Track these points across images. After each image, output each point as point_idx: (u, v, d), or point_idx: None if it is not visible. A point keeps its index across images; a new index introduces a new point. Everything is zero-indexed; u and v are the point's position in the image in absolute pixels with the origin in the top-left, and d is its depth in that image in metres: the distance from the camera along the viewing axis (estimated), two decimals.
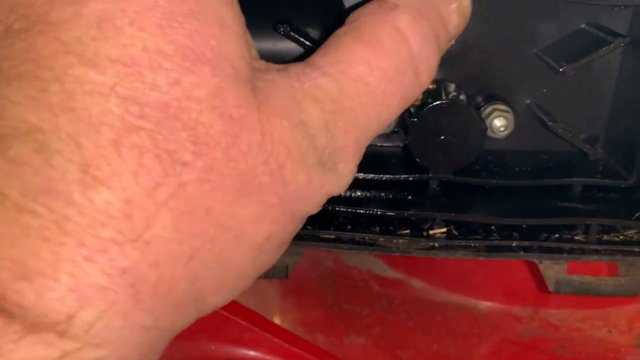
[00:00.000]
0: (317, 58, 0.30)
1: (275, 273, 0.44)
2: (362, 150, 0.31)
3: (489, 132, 0.47)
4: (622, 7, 0.45)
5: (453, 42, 0.37)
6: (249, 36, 0.29)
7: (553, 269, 0.43)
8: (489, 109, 0.47)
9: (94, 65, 0.23)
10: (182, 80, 0.24)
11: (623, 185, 0.46)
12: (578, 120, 0.50)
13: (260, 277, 0.44)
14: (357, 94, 0.29)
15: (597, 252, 0.43)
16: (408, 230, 0.44)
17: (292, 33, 0.42)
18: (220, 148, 0.24)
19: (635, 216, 0.44)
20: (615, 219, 0.44)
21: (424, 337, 0.61)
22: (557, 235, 0.44)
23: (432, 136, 0.45)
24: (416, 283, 0.66)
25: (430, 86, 0.50)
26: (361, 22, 0.31)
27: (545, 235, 0.44)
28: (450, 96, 0.49)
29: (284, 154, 0.26)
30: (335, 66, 0.29)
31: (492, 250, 0.43)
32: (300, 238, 0.44)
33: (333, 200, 0.46)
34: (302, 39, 0.43)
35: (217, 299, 0.27)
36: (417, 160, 0.46)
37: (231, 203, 0.25)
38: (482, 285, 0.64)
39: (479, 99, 0.49)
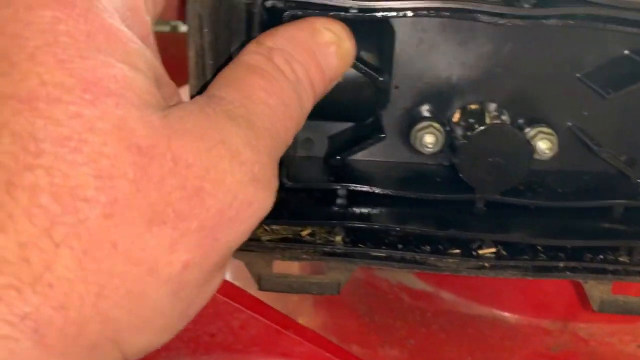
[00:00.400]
0: (218, 89, 0.31)
1: (327, 290, 0.45)
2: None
3: (536, 154, 0.49)
4: None
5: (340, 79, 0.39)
6: (161, 72, 0.30)
7: (598, 289, 0.45)
8: (534, 131, 0.49)
9: None
10: (84, 113, 0.23)
11: None
12: (618, 143, 0.51)
13: (313, 293, 0.45)
14: (263, 114, 0.30)
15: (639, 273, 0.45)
16: (459, 250, 0.45)
17: None
18: (127, 180, 0.24)
19: None
20: None
21: (456, 349, 0.62)
22: (601, 257, 0.45)
23: (480, 157, 0.46)
24: (446, 295, 0.67)
25: (473, 106, 0.51)
26: (247, 59, 0.33)
27: (590, 256, 0.45)
28: (492, 116, 0.51)
29: (201, 176, 0.26)
30: (239, 93, 0.30)
31: (539, 270, 0.45)
32: (351, 255, 0.46)
33: (382, 218, 0.47)
34: (356, 62, 0.44)
35: (139, 340, 0.25)
36: (466, 180, 0.47)
37: (141, 235, 0.24)
38: (511, 298, 0.66)
39: (521, 120, 0.51)
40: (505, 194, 0.47)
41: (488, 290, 0.67)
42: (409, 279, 0.69)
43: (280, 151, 0.32)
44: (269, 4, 0.40)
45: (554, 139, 0.48)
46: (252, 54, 0.33)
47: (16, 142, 0.22)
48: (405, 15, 0.42)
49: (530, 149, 0.46)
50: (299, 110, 0.33)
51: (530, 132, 0.49)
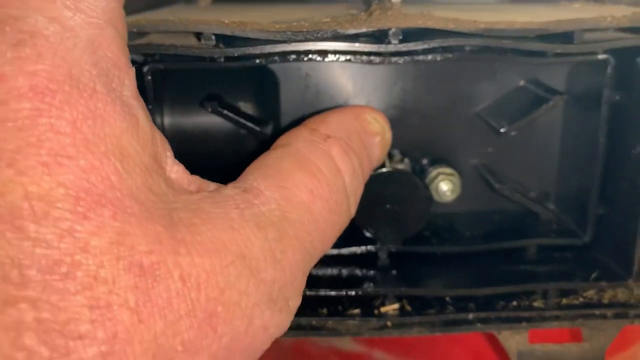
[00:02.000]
0: (256, 180, 0.27)
1: None
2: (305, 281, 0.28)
3: (436, 197, 0.46)
4: (559, 64, 0.45)
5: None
6: (163, 155, 0.25)
7: (514, 340, 0.41)
8: (434, 173, 0.46)
9: None
10: (76, 230, 0.19)
11: (578, 244, 0.44)
12: (527, 178, 0.48)
13: None
14: (301, 221, 0.26)
15: (557, 317, 0.41)
16: (358, 310, 0.41)
17: (220, 109, 0.40)
18: (128, 308, 0.20)
19: (592, 276, 0.42)
20: (573, 282, 0.41)
21: None
22: (515, 303, 0.41)
23: (376, 206, 0.42)
24: (379, 355, 0.63)
25: None
26: (297, 148, 0.29)
27: (502, 303, 0.41)
28: (394, 162, 0.48)
29: (214, 299, 0.22)
30: (278, 191, 0.26)
31: (448, 324, 0.41)
32: None
33: None
34: (232, 115, 0.41)
35: None
36: (363, 230, 0.43)
37: None
38: (448, 352, 0.61)
39: (424, 162, 0.48)
40: (408, 243, 0.44)
41: (423, 346, 0.62)
42: (340, 340, 0.64)
43: (310, 264, 0.27)
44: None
45: (455, 179, 0.45)
46: (303, 143, 0.29)
47: None
48: (275, 61, 0.39)
49: (427, 192, 0.43)
50: (345, 215, 0.30)
51: (431, 173, 0.46)
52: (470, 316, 0.41)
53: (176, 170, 0.26)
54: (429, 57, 0.38)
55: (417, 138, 0.47)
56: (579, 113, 0.45)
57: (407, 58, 0.38)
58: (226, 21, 0.35)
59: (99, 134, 0.21)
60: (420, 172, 0.47)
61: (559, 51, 0.36)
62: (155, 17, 0.36)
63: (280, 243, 0.25)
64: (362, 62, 0.38)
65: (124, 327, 0.20)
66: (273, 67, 0.44)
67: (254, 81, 0.44)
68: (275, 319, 0.25)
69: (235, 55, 0.36)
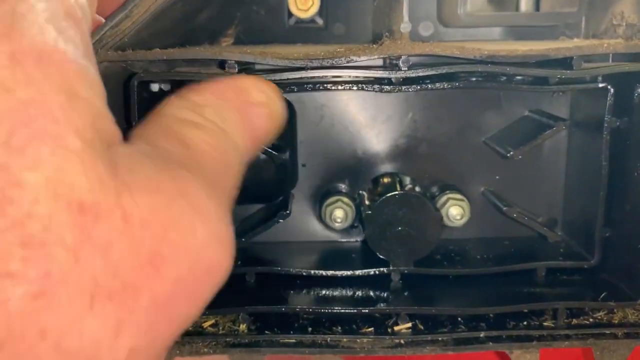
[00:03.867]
0: (157, 139, 0.27)
1: None
2: None
3: (446, 222, 0.47)
4: (561, 93, 0.47)
5: None
6: (107, 109, 0.24)
7: (525, 359, 0.41)
8: (444, 198, 0.48)
9: None
10: (9, 164, 0.19)
11: (586, 267, 0.45)
12: (535, 203, 0.50)
13: None
14: (213, 168, 0.27)
15: (568, 337, 0.41)
16: (372, 328, 0.42)
17: None
18: (64, 247, 0.19)
19: (601, 297, 0.42)
20: (582, 301, 0.42)
21: None
22: (525, 323, 0.42)
23: (389, 228, 0.44)
24: None
25: (386, 180, 0.50)
26: (175, 112, 0.29)
27: (513, 323, 0.42)
28: (405, 188, 0.50)
29: (158, 237, 0.21)
30: (182, 145, 0.27)
31: (460, 343, 0.41)
32: (257, 344, 0.42)
33: (293, 300, 0.44)
34: None
35: None
36: (375, 251, 0.45)
37: (79, 317, 0.19)
38: None
39: (435, 189, 0.50)
40: (420, 264, 0.45)
41: None
42: None
43: (230, 208, 0.27)
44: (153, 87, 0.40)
45: (465, 204, 0.47)
46: (179, 109, 0.29)
47: None
48: (293, 91, 0.42)
49: (438, 215, 0.44)
50: (238, 166, 0.29)
51: (441, 199, 0.48)
52: (482, 335, 0.41)
53: (114, 126, 0.27)
54: (437, 85, 0.40)
55: (428, 166, 0.49)
56: (582, 139, 0.47)
57: (417, 86, 0.40)
58: (248, 50, 0.38)
59: (44, 69, 0.20)
60: (430, 199, 0.49)
61: (559, 77, 0.38)
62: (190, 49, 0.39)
63: (210, 186, 0.24)
64: (374, 90, 0.41)
65: (58, 266, 0.19)
66: (291, 97, 0.47)
67: None
68: (221, 257, 0.24)
69: None
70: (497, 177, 0.49)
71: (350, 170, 0.49)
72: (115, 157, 0.22)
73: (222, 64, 0.39)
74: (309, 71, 0.38)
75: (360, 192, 0.49)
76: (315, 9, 0.57)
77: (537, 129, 0.45)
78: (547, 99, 0.48)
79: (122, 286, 0.20)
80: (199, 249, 0.22)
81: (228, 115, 0.30)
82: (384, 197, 0.44)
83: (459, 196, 0.47)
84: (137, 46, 0.39)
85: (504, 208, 0.45)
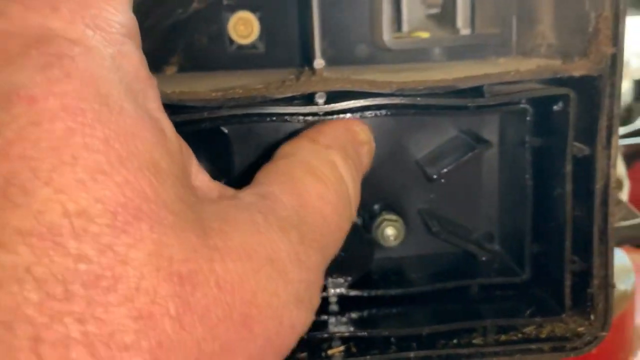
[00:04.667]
0: (271, 186, 0.29)
1: None
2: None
3: (382, 242, 0.48)
4: (490, 113, 0.48)
5: None
6: (189, 165, 0.27)
7: None
8: (380, 219, 0.49)
9: (1, 244, 0.19)
10: (115, 244, 0.20)
11: (518, 282, 0.47)
12: (472, 219, 0.51)
13: None
14: (316, 224, 0.28)
15: (495, 354, 0.43)
16: (305, 353, 0.43)
17: None
18: (170, 317, 0.20)
19: (528, 312, 0.44)
20: (509, 318, 0.44)
21: None
22: (455, 341, 0.43)
23: None
24: None
25: None
26: (304, 156, 0.31)
27: (443, 342, 0.43)
28: None
29: (248, 302, 0.23)
30: (294, 197, 0.28)
31: None
32: None
33: None
34: None
35: None
36: None
37: None
38: None
39: (376, 207, 0.51)
40: (356, 287, 0.46)
41: None
42: None
43: (326, 264, 0.30)
44: None
45: (399, 225, 0.48)
46: (307, 151, 0.31)
47: (40, 288, 0.19)
48: (222, 123, 0.43)
49: (369, 237, 0.46)
50: (350, 219, 0.32)
51: (377, 219, 0.49)
52: (412, 355, 0.43)
53: (200, 179, 0.28)
54: (359, 114, 0.41)
55: (367, 186, 0.50)
56: (510, 157, 0.48)
57: (340, 116, 0.41)
58: (168, 92, 0.39)
59: (131, 150, 0.21)
60: (370, 219, 0.50)
61: (469, 105, 0.39)
62: None
63: (303, 245, 0.26)
64: (299, 122, 0.42)
65: (166, 336, 0.20)
66: (225, 129, 0.48)
67: (206, 143, 0.47)
68: (302, 317, 0.26)
69: (177, 121, 0.40)
70: (431, 195, 0.51)
71: None
72: (208, 220, 0.24)
73: None
74: (228, 109, 0.39)
75: None
76: (255, 35, 0.58)
77: (464, 150, 0.46)
78: (476, 119, 0.49)
79: (221, 348, 0.22)
80: (282, 311, 0.25)
81: (352, 156, 0.34)
82: None
83: (394, 217, 0.49)
84: None
85: (434, 229, 0.46)
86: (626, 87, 1.33)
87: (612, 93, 0.39)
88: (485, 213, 0.51)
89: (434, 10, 0.57)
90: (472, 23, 0.55)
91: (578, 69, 0.38)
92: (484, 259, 0.48)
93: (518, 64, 0.43)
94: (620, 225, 0.56)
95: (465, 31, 0.55)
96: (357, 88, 0.38)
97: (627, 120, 1.27)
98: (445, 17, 0.57)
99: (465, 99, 0.40)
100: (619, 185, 0.74)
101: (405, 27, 0.57)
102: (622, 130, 1.17)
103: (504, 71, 0.39)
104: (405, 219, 0.49)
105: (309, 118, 0.41)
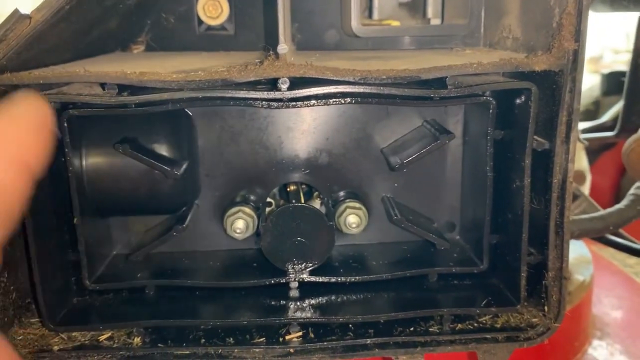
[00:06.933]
0: None
1: None
2: None
3: (344, 229, 0.49)
4: (455, 104, 0.48)
5: None
6: None
7: None
8: (343, 206, 0.49)
9: None
10: None
11: (476, 272, 0.47)
12: (435, 208, 0.52)
13: None
14: None
15: (451, 342, 0.43)
16: (264, 339, 0.43)
17: (131, 151, 0.43)
18: None
19: (484, 302, 0.44)
20: (464, 308, 0.44)
21: None
22: (412, 329, 0.44)
23: (284, 238, 0.45)
24: None
25: (290, 188, 0.51)
26: None
27: (400, 329, 0.44)
28: (306, 197, 0.51)
29: None
30: None
31: (347, 350, 0.43)
32: (151, 357, 0.43)
33: (191, 312, 0.45)
34: (142, 156, 0.44)
35: None
36: (272, 262, 0.46)
37: None
38: None
39: (337, 196, 0.51)
40: (317, 273, 0.46)
41: None
42: None
43: None
44: None
45: (362, 212, 0.48)
46: None
47: None
48: (184, 106, 0.42)
49: (331, 225, 0.46)
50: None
51: (340, 207, 0.49)
52: (369, 342, 0.43)
53: None
54: (322, 101, 0.41)
55: (330, 174, 0.50)
56: (473, 148, 0.48)
57: (304, 103, 0.41)
58: (128, 72, 0.38)
59: None
60: (333, 206, 0.50)
61: (433, 96, 0.40)
62: (72, 68, 0.40)
63: None
64: (262, 106, 0.41)
65: None
66: (190, 111, 0.47)
67: (169, 124, 0.47)
68: None
69: (136, 102, 0.39)
70: (395, 184, 0.51)
71: (253, 180, 0.50)
72: None
73: (103, 85, 0.39)
74: (188, 92, 0.39)
75: (269, 199, 0.50)
76: (224, 16, 0.57)
77: (427, 140, 0.47)
78: (442, 109, 0.49)
79: None
80: None
81: None
82: (277, 210, 0.45)
83: (357, 204, 0.49)
84: (20, 68, 0.40)
85: (394, 217, 0.47)
86: (595, 81, 1.35)
87: (572, 88, 0.39)
88: (448, 202, 0.51)
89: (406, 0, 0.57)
90: (442, 13, 0.55)
91: (540, 63, 0.38)
92: (443, 248, 0.48)
93: (482, 56, 0.43)
94: (581, 218, 0.57)
95: (435, 21, 0.55)
96: (320, 75, 0.38)
97: (594, 114, 1.29)
98: (416, 6, 0.57)
99: (428, 90, 0.40)
100: (582, 178, 0.76)
101: (376, 15, 0.57)
102: (589, 124, 1.19)
103: (467, 63, 0.39)
104: (368, 207, 0.50)
105: (273, 104, 0.41)
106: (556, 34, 0.39)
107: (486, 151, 0.44)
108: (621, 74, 1.11)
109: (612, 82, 1.23)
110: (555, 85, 0.40)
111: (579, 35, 0.38)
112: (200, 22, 0.57)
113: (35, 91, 0.34)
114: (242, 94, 0.39)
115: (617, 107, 1.12)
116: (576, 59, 0.39)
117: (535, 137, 0.42)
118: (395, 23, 0.57)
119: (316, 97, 0.40)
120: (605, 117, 1.17)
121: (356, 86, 0.39)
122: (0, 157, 0.29)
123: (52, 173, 0.41)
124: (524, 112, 0.41)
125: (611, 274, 0.85)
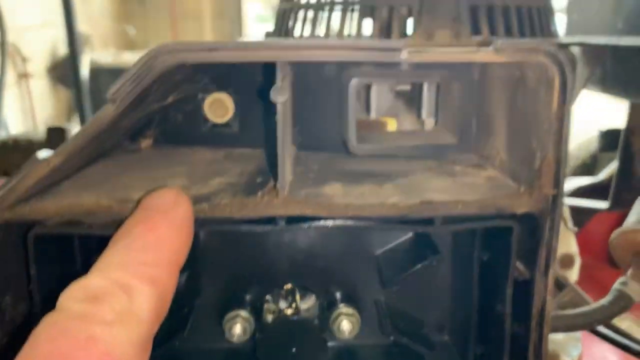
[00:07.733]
0: None
1: None
2: None
3: (337, 334, 0.51)
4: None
5: None
6: None
7: None
8: (336, 312, 0.51)
9: None
10: None
11: None
12: (426, 310, 0.54)
13: None
14: None
15: None
16: None
17: None
18: None
19: None
20: None
21: None
22: None
23: (278, 350, 0.48)
24: None
25: (283, 293, 0.54)
26: None
27: None
28: (300, 301, 0.54)
29: None
30: None
31: None
32: None
33: None
34: None
35: None
36: None
37: None
38: None
39: (332, 299, 0.54)
40: None
41: None
42: None
43: None
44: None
45: (355, 319, 0.51)
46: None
47: None
48: None
49: (321, 339, 0.48)
50: None
51: (334, 312, 0.52)
52: None
53: None
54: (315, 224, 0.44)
55: (324, 279, 0.53)
56: (459, 267, 0.51)
57: (301, 225, 0.44)
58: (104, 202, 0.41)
59: None
60: (328, 307, 0.53)
61: (420, 231, 0.42)
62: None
63: None
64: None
65: None
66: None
67: None
68: None
69: None
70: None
71: (251, 281, 0.53)
72: None
73: None
74: None
75: (268, 298, 0.53)
76: (229, 115, 0.60)
77: (416, 257, 0.49)
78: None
79: None
80: None
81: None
82: (271, 323, 0.48)
83: (350, 310, 0.51)
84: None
85: (385, 330, 0.49)
86: (593, 134, 1.37)
87: (551, 227, 0.42)
88: (439, 304, 0.54)
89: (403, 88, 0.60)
90: (436, 115, 0.58)
91: (521, 206, 0.41)
92: (436, 353, 0.51)
93: (469, 184, 0.46)
94: (565, 314, 0.59)
95: (429, 122, 0.58)
96: (316, 214, 0.41)
97: (591, 168, 1.32)
98: (411, 100, 0.60)
99: (417, 226, 0.42)
100: (570, 262, 0.78)
101: (373, 114, 0.60)
102: (586, 180, 1.21)
103: (453, 201, 0.42)
104: (362, 309, 0.52)
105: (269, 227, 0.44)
106: (536, 179, 0.41)
107: (472, 272, 0.47)
108: (618, 131, 1.13)
109: (610, 140, 1.26)
110: (536, 224, 0.42)
111: (557, 182, 0.41)
112: (206, 120, 0.60)
113: (178, 188, 0.39)
114: (245, 227, 0.42)
115: (614, 166, 1.14)
116: (555, 202, 0.41)
117: (518, 263, 0.44)
118: (392, 122, 0.60)
119: (311, 226, 0.43)
120: (602, 175, 1.20)
121: (343, 221, 0.42)
122: (164, 264, 0.34)
123: None
124: (505, 245, 0.44)
125: (600, 342, 0.87)
